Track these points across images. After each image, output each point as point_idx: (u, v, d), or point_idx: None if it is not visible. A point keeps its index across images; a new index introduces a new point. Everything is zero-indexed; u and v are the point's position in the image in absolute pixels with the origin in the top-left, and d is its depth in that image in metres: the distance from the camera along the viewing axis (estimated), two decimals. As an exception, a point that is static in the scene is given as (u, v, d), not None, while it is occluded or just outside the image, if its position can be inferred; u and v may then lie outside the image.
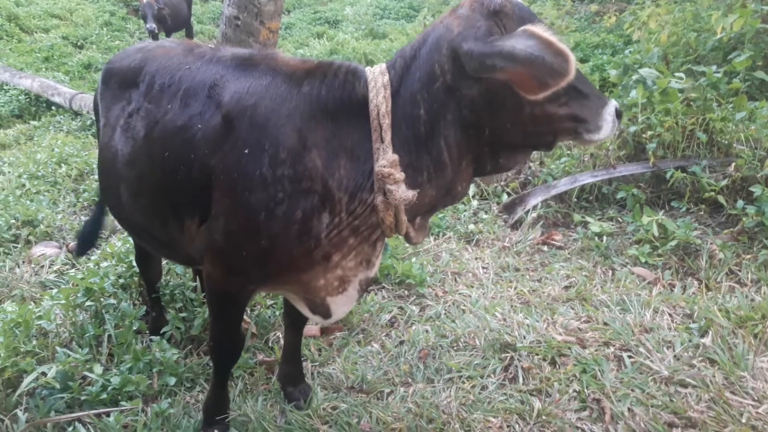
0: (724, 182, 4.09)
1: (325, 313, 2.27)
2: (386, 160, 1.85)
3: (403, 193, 1.85)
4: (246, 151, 1.95)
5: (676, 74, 4.78)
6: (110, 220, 4.66)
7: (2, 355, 2.76)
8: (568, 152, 5.09)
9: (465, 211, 4.69)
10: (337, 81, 1.96)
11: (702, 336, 3.06)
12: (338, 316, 2.34)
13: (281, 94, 1.98)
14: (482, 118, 1.83)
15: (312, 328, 3.30)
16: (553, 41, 1.59)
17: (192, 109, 2.12)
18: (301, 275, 2.09)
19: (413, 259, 3.90)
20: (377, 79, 1.89)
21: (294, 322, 2.71)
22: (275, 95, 1.99)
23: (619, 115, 1.91)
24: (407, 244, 3.65)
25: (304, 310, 2.33)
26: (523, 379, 2.84)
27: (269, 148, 1.93)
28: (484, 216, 4.61)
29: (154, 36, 11.19)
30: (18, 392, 2.66)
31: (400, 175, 1.85)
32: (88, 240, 3.48)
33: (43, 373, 2.68)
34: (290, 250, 1.99)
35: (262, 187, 1.93)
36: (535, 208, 4.56)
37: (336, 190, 1.93)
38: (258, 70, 2.09)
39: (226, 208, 2.02)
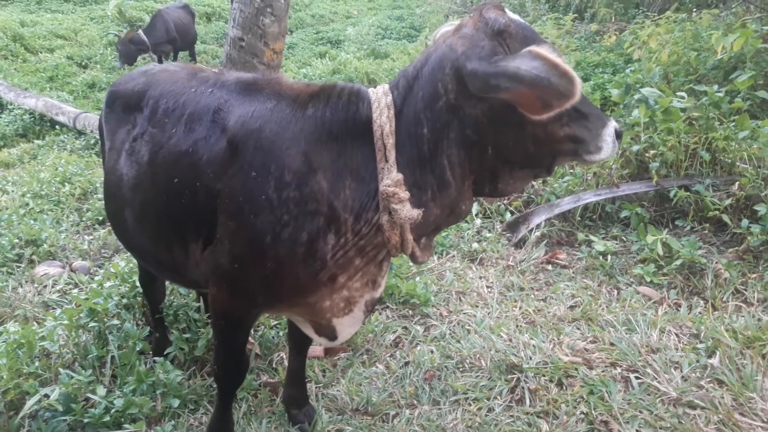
0: (728, 201, 4.09)
1: (331, 334, 2.27)
2: (391, 179, 1.86)
3: (408, 212, 1.85)
4: (252, 174, 1.96)
5: (678, 93, 4.81)
6: (115, 239, 4.67)
7: (5, 376, 2.73)
8: (571, 171, 5.10)
9: (468, 229, 4.68)
10: (341, 103, 1.97)
11: (710, 356, 3.04)
12: (344, 338, 2.33)
13: (286, 118, 1.99)
14: (485, 138, 1.83)
15: (316, 348, 3.28)
16: (558, 63, 1.60)
17: (196, 133, 2.12)
18: (307, 297, 2.08)
19: (417, 279, 3.89)
20: (380, 99, 1.90)
21: (298, 344, 2.70)
22: (280, 119, 2.00)
23: (619, 135, 1.92)
24: (411, 264, 3.63)
25: (310, 332, 2.32)
26: (530, 401, 2.81)
27: (275, 171, 1.93)
28: (488, 234, 4.60)
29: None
30: (21, 414, 2.63)
31: (404, 194, 1.85)
32: None
33: (46, 395, 2.66)
34: (296, 273, 1.98)
35: (268, 210, 1.93)
36: (538, 226, 4.55)
37: (341, 211, 1.93)
38: (262, 94, 2.11)
39: (231, 231, 2.02)
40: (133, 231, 2.43)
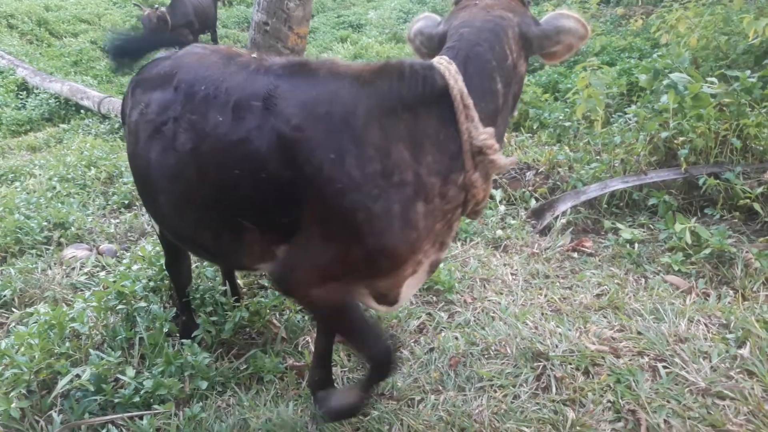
0: (759, 189, 4.01)
1: (393, 300, 2.32)
2: (486, 132, 1.99)
3: (505, 159, 2.05)
4: (330, 156, 1.97)
5: (708, 79, 4.70)
6: (141, 222, 4.73)
7: (37, 356, 2.78)
8: (597, 157, 5.03)
9: (492, 216, 4.65)
10: (414, 74, 2.04)
11: (739, 347, 3.00)
12: (404, 302, 2.40)
13: (354, 96, 2.03)
14: (519, 91, 2.21)
15: (341, 333, 3.29)
16: (579, 17, 2.04)
17: (248, 122, 2.09)
18: (400, 269, 2.11)
19: (441, 265, 3.88)
20: (449, 68, 2.00)
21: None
22: (348, 98, 2.03)
23: None
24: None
25: (369, 302, 2.34)
26: (556, 389, 2.80)
27: (354, 149, 1.97)
28: (512, 221, 4.57)
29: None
30: (53, 394, 2.68)
31: (497, 145, 2.02)
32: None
33: (77, 376, 2.71)
34: (395, 246, 2.02)
35: (354, 187, 1.96)
36: (564, 213, 4.51)
37: (427, 177, 2.00)
38: (318, 77, 2.11)
39: (319, 216, 2.03)
40: (171, 217, 2.43)
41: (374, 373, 2.39)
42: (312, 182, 1.99)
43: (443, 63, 2.02)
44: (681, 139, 4.43)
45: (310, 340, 3.22)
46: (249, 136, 2.08)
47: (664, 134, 4.52)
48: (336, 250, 2.07)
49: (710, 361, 2.91)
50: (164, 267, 3.34)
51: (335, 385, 2.83)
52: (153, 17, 10.99)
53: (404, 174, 1.97)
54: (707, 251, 3.75)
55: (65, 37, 13.06)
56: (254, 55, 2.36)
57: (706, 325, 3.21)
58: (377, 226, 1.98)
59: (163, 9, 11.17)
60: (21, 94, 9.49)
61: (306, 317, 3.37)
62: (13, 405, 2.54)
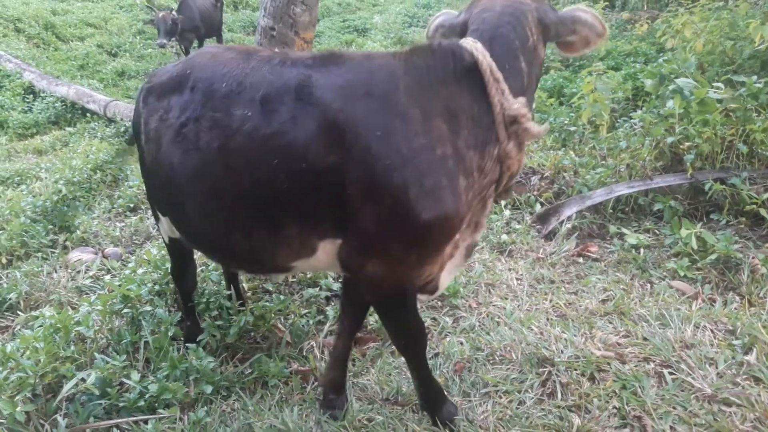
0: (766, 195, 3.99)
1: (433, 288, 2.39)
2: (519, 102, 2.10)
3: (538, 127, 2.14)
4: (377, 134, 2.01)
5: (715, 84, 4.69)
6: (146, 226, 4.74)
7: (43, 360, 2.79)
8: (603, 162, 5.02)
9: (497, 221, 4.65)
10: (445, 52, 2.15)
11: (746, 353, 2.98)
12: (443, 289, 2.48)
13: (392, 74, 2.10)
14: (539, 73, 2.33)
15: (345, 338, 3.29)
16: (597, 14, 2.15)
17: (281, 114, 2.09)
18: (449, 245, 2.18)
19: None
20: (476, 46, 2.11)
21: (349, 327, 2.74)
22: (385, 76, 2.10)
23: None
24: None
25: None
26: (562, 395, 2.79)
27: (399, 125, 2.02)
28: (517, 226, 4.56)
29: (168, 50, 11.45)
30: (58, 398, 2.69)
31: (529, 113, 2.12)
32: None
33: (83, 379, 2.71)
34: (448, 217, 2.08)
35: (403, 163, 2.00)
36: (569, 218, 4.50)
37: (466, 150, 2.08)
38: (348, 64, 2.15)
39: (370, 197, 2.05)
40: (198, 222, 2.39)
41: (409, 354, 2.52)
42: (360, 163, 2.02)
43: (469, 42, 2.13)
44: (687, 144, 4.42)
45: (315, 345, 3.22)
46: (283, 128, 2.08)
47: (669, 139, 4.51)
48: (392, 228, 2.09)
49: (716, 368, 2.90)
50: (170, 273, 3.34)
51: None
52: (168, 19, 11.07)
53: (446, 148, 2.04)
54: (713, 257, 3.73)
55: (72, 41, 13.13)
56: (277, 50, 2.36)
57: (712, 331, 3.19)
58: (429, 200, 2.03)
59: (173, 12, 11.24)
60: (28, 98, 9.54)
61: (311, 321, 3.37)
62: (18, 408, 2.54)
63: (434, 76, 2.11)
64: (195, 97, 2.28)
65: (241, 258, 2.47)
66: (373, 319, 3.35)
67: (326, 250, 2.25)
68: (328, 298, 3.66)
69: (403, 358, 3.07)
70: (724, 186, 4.19)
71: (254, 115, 2.13)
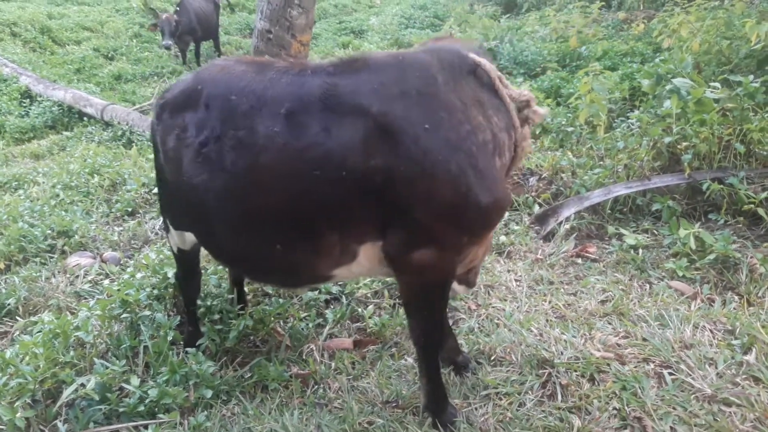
0: (763, 194, 4.00)
1: (473, 279, 2.61)
2: (524, 92, 2.34)
3: (543, 109, 2.39)
4: (425, 127, 2.06)
5: (712, 84, 4.70)
6: (144, 230, 4.73)
7: (42, 365, 2.79)
8: (601, 162, 5.03)
9: (496, 222, 4.64)
10: (452, 51, 2.29)
11: (745, 353, 2.99)
12: (476, 282, 2.72)
13: (425, 71, 2.16)
14: None
15: (345, 341, 3.30)
16: None
17: (310, 127, 2.09)
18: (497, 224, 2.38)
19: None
20: (477, 52, 2.37)
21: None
22: (419, 75, 2.16)
23: None
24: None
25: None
26: (562, 396, 2.79)
27: (445, 115, 2.10)
28: (515, 227, 4.56)
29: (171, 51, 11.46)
30: (58, 404, 2.69)
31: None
32: None
33: (82, 385, 2.71)
34: (500, 201, 2.22)
35: (455, 151, 2.09)
36: (567, 219, 4.50)
37: (499, 134, 2.23)
38: (374, 66, 2.18)
39: (423, 191, 2.08)
40: (231, 242, 2.37)
41: (423, 357, 2.55)
42: (411, 159, 2.06)
43: (467, 49, 2.35)
44: (684, 144, 4.44)
45: (314, 348, 3.21)
46: (316, 141, 2.08)
47: (667, 139, 4.52)
48: (450, 215, 2.14)
49: (716, 368, 2.90)
50: (176, 280, 3.31)
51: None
52: (172, 20, 11.09)
53: (486, 133, 2.17)
54: (712, 257, 3.74)
55: (68, 44, 13.09)
56: (291, 60, 2.37)
57: (711, 331, 3.20)
58: (484, 183, 2.13)
59: (174, 15, 11.26)
60: (24, 102, 9.52)
61: (310, 325, 3.37)
62: (18, 414, 2.54)
63: (458, 71, 2.22)
64: (211, 115, 2.24)
65: (279, 272, 2.45)
66: (372, 322, 3.35)
67: (367, 254, 2.28)
68: (327, 302, 3.66)
69: (403, 361, 3.10)
70: (721, 186, 4.20)
71: (282, 131, 2.11)
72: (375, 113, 2.07)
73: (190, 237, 2.73)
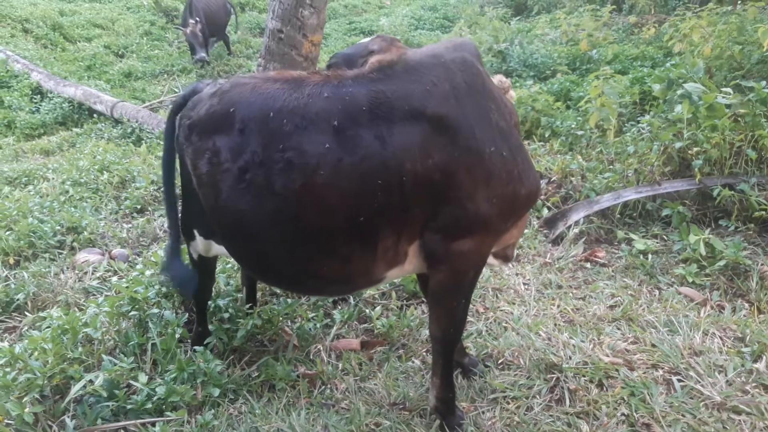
0: (775, 201, 3.98)
1: (511, 253, 2.71)
2: (501, 77, 2.65)
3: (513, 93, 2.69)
4: (479, 118, 2.15)
5: (723, 89, 4.67)
6: (153, 227, 4.74)
7: (51, 361, 2.80)
8: (611, 167, 5.01)
9: (504, 225, 4.63)
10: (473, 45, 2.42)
11: (755, 361, 2.97)
12: (513, 256, 2.80)
13: (467, 65, 2.23)
14: None
15: (352, 342, 3.29)
16: None
17: (363, 138, 2.08)
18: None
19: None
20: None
21: None
22: (463, 68, 2.22)
23: None
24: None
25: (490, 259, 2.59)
26: (570, 401, 2.78)
27: (493, 106, 2.22)
28: (524, 230, 4.54)
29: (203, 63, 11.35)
30: (66, 399, 2.69)
31: None
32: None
33: (90, 381, 2.71)
34: (539, 183, 2.40)
35: (505, 137, 2.21)
36: (576, 223, 4.49)
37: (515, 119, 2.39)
38: (416, 65, 2.21)
39: (482, 181, 2.15)
40: (282, 262, 2.33)
41: (441, 349, 2.55)
42: (468, 150, 2.12)
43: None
44: (695, 149, 4.41)
45: (322, 349, 3.21)
46: (372, 150, 2.08)
47: (678, 144, 4.49)
48: (502, 201, 2.20)
49: (726, 375, 2.88)
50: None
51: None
52: (197, 31, 10.94)
53: (516, 117, 2.38)
54: (722, 263, 3.72)
55: (79, 41, 13.17)
56: (326, 72, 2.29)
57: (721, 338, 3.18)
58: (530, 165, 2.30)
59: (197, 18, 11.10)
60: (35, 98, 9.58)
61: (318, 325, 3.37)
62: (26, 410, 2.54)
63: (481, 62, 2.34)
64: (250, 140, 2.18)
65: (336, 283, 2.41)
66: (380, 323, 3.35)
67: (414, 252, 2.31)
68: (335, 302, 3.66)
69: (410, 363, 3.09)
70: (732, 192, 4.17)
71: (333, 147, 2.09)
72: (430, 114, 2.11)
73: (218, 248, 2.69)
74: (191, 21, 11.07)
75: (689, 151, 4.47)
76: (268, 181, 2.15)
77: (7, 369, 2.79)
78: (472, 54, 2.32)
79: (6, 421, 2.56)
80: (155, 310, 3.30)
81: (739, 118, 4.46)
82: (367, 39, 2.68)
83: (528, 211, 2.53)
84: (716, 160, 4.41)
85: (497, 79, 2.51)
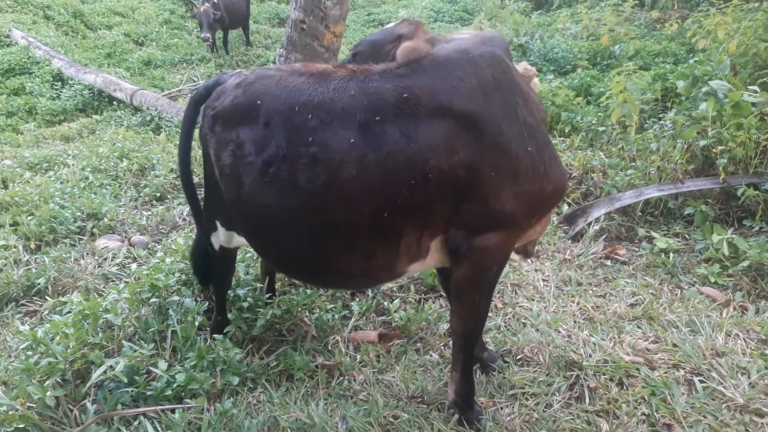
0: (801, 202, 3.91)
1: (531, 248, 2.69)
2: (525, 64, 2.52)
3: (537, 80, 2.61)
4: (507, 113, 2.14)
5: (750, 87, 4.60)
6: (172, 215, 4.76)
7: (72, 346, 2.82)
8: (633, 164, 4.95)
9: (523, 220, 4.60)
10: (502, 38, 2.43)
11: (779, 363, 2.93)
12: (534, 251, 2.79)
13: (496, 61, 2.21)
14: None
15: (370, 333, 3.29)
16: None
17: (389, 134, 2.06)
18: None
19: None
20: None
21: None
22: (491, 64, 2.19)
23: None
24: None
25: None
26: (590, 399, 2.76)
27: (521, 101, 2.19)
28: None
29: (209, 44, 11.47)
30: (88, 384, 2.72)
31: None
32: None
33: (111, 367, 2.73)
34: (566, 179, 2.41)
35: (533, 133, 2.19)
36: (597, 220, 4.45)
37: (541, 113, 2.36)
38: (444, 61, 2.18)
39: (508, 177, 2.14)
40: (302, 254, 2.33)
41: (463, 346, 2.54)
42: (495, 147, 2.10)
43: None
44: (720, 147, 4.35)
45: (340, 340, 3.21)
46: (398, 146, 2.06)
47: (702, 142, 4.43)
48: (529, 197, 2.19)
49: (749, 377, 2.84)
50: (212, 276, 3.17)
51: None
52: (210, 12, 11.10)
53: (543, 113, 2.33)
54: (745, 264, 3.67)
55: (100, 29, 13.26)
56: (350, 66, 2.26)
57: (744, 339, 3.14)
58: (557, 161, 2.29)
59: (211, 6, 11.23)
60: (56, 85, 9.65)
61: (336, 316, 3.36)
62: (48, 393, 2.57)
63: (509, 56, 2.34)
64: (275, 133, 2.17)
65: (358, 277, 2.40)
66: (398, 316, 3.34)
67: (436, 247, 2.30)
68: (353, 294, 3.65)
69: (428, 357, 3.08)
70: (757, 191, 4.11)
71: (359, 142, 2.07)
72: (457, 110, 2.08)
73: (240, 239, 2.68)
74: (207, 3, 11.18)
75: (713, 150, 4.41)
76: (292, 176, 2.13)
77: (29, 353, 2.82)
78: (502, 49, 2.29)
79: (28, 404, 2.59)
80: (175, 298, 3.32)
81: (765, 117, 4.38)
82: (392, 24, 2.65)
83: (553, 208, 2.50)
84: (741, 158, 4.34)
85: (522, 66, 2.46)
